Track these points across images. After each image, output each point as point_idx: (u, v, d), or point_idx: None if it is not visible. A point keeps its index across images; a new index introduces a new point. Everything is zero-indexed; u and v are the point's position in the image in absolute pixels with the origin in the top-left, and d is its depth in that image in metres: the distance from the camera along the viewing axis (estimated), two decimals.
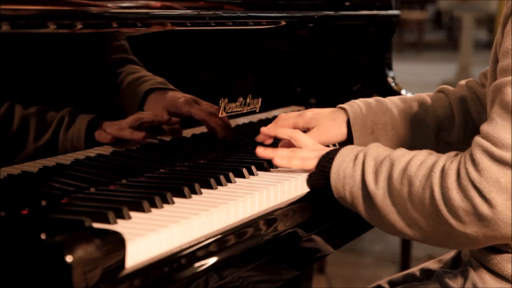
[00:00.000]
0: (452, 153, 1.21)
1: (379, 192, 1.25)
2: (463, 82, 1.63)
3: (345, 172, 1.30)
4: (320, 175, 1.35)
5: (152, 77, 1.45)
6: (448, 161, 1.18)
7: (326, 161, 1.35)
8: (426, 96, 1.63)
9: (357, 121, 1.57)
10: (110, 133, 1.36)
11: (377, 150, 1.30)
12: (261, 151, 1.43)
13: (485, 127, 1.15)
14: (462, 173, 1.14)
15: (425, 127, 1.57)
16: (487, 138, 1.14)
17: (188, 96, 1.52)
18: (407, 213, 1.22)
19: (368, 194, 1.27)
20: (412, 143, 1.53)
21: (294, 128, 1.56)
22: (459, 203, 1.14)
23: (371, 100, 1.61)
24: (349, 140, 1.56)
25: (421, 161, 1.21)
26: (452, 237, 1.19)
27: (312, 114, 1.58)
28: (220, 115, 1.58)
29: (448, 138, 1.57)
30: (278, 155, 1.41)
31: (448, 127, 1.57)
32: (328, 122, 1.56)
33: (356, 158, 1.30)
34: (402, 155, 1.25)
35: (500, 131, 1.12)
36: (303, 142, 1.45)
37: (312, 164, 1.37)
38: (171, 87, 1.49)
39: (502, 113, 1.13)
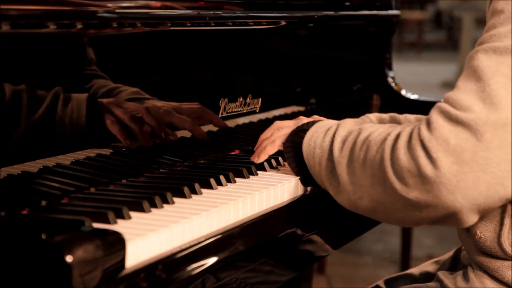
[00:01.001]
0: (413, 121, 1.18)
1: (342, 160, 1.23)
2: None
3: (315, 142, 1.29)
4: (291, 147, 1.35)
5: (126, 88, 1.44)
6: (405, 126, 1.15)
7: (299, 131, 1.35)
8: None
9: None
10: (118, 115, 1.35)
11: (353, 124, 1.30)
12: (252, 157, 1.45)
13: (447, 94, 1.12)
14: (414, 133, 1.10)
15: None
16: (447, 101, 1.10)
17: (167, 105, 1.51)
18: (360, 182, 1.19)
19: (333, 164, 1.25)
20: None
21: None
22: (404, 163, 1.09)
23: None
24: None
25: (383, 130, 1.19)
26: (396, 207, 1.14)
27: None
28: (220, 115, 1.58)
29: None
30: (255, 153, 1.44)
31: None
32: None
33: (329, 129, 1.29)
34: (371, 126, 1.24)
35: (461, 94, 1.09)
36: (283, 124, 1.44)
37: (280, 140, 1.39)
38: (147, 96, 1.48)
39: (467, 77, 1.10)
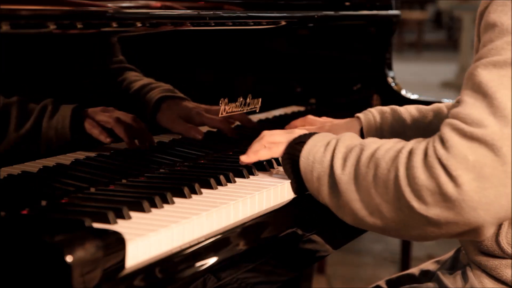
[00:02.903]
0: (421, 138, 1.17)
1: (345, 177, 1.21)
2: None
3: (314, 157, 1.27)
4: (288, 159, 1.33)
5: (157, 84, 1.46)
6: (416, 143, 1.14)
7: (296, 144, 1.32)
8: (444, 106, 1.65)
9: (370, 130, 1.59)
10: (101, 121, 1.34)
11: (350, 139, 1.27)
12: (241, 156, 1.41)
13: (454, 109, 1.12)
14: (430, 151, 1.10)
15: None
16: (456, 117, 1.10)
17: (196, 105, 1.55)
18: (369, 200, 1.17)
19: (334, 181, 1.23)
20: None
21: None
22: (423, 181, 1.09)
23: (386, 109, 1.63)
24: None
25: (390, 146, 1.18)
26: (411, 225, 1.14)
27: (330, 126, 1.61)
28: (220, 115, 1.59)
29: None
30: (245, 153, 1.40)
31: None
32: (344, 132, 1.56)
33: (328, 144, 1.27)
34: (374, 142, 1.23)
35: (470, 109, 1.08)
36: (274, 132, 1.42)
37: (279, 150, 1.36)
38: (181, 95, 1.51)
39: (472, 93, 1.10)
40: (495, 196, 1.06)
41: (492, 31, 1.13)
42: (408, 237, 1.20)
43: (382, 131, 1.60)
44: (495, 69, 1.09)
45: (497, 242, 1.24)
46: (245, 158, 1.40)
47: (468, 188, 1.06)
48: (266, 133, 1.41)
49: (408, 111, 1.63)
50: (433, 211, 1.09)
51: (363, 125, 1.60)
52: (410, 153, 1.13)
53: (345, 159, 1.23)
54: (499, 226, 1.23)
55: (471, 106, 1.09)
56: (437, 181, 1.08)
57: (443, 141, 1.09)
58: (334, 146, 1.26)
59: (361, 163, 1.19)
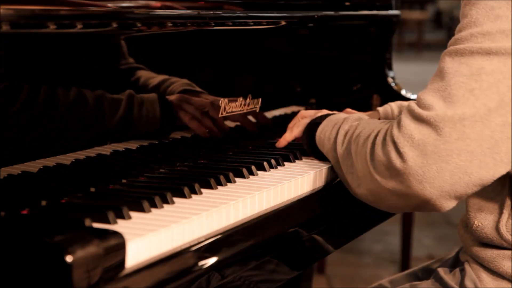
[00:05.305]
0: (394, 120, 1.27)
1: (341, 152, 1.36)
2: None
3: (325, 135, 1.42)
4: (305, 138, 1.50)
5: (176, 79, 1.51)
6: (386, 124, 1.26)
7: (314, 124, 1.47)
8: None
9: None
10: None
11: (353, 119, 1.39)
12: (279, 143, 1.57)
13: (419, 92, 1.22)
14: (388, 131, 1.22)
15: None
16: (416, 100, 1.21)
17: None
18: (356, 173, 1.30)
19: (336, 155, 1.37)
20: None
21: None
22: (380, 157, 1.21)
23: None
24: None
25: (373, 126, 1.30)
26: (382, 196, 1.25)
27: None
28: (220, 115, 1.59)
29: None
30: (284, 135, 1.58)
31: None
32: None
33: (336, 123, 1.41)
34: (367, 122, 1.35)
35: (427, 93, 1.19)
36: (306, 113, 1.57)
37: (298, 130, 1.54)
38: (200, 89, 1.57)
39: (435, 77, 1.20)
40: (438, 171, 1.16)
41: (462, 22, 1.21)
42: (385, 207, 1.31)
43: None
44: (457, 57, 1.18)
45: (497, 229, 1.27)
46: (278, 144, 1.58)
47: (412, 164, 1.17)
48: (300, 116, 1.59)
49: None
50: (390, 184, 1.21)
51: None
52: (378, 133, 1.25)
53: (345, 136, 1.36)
54: (500, 214, 1.27)
55: (429, 91, 1.19)
56: (388, 156, 1.20)
57: (398, 122, 1.20)
58: (340, 125, 1.39)
59: (352, 140, 1.33)
